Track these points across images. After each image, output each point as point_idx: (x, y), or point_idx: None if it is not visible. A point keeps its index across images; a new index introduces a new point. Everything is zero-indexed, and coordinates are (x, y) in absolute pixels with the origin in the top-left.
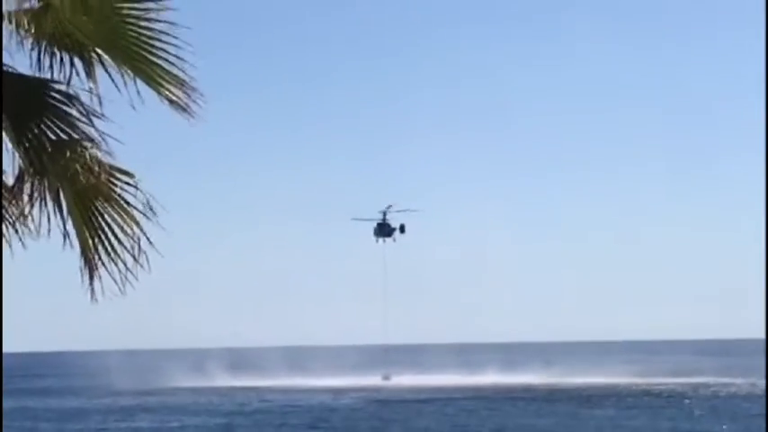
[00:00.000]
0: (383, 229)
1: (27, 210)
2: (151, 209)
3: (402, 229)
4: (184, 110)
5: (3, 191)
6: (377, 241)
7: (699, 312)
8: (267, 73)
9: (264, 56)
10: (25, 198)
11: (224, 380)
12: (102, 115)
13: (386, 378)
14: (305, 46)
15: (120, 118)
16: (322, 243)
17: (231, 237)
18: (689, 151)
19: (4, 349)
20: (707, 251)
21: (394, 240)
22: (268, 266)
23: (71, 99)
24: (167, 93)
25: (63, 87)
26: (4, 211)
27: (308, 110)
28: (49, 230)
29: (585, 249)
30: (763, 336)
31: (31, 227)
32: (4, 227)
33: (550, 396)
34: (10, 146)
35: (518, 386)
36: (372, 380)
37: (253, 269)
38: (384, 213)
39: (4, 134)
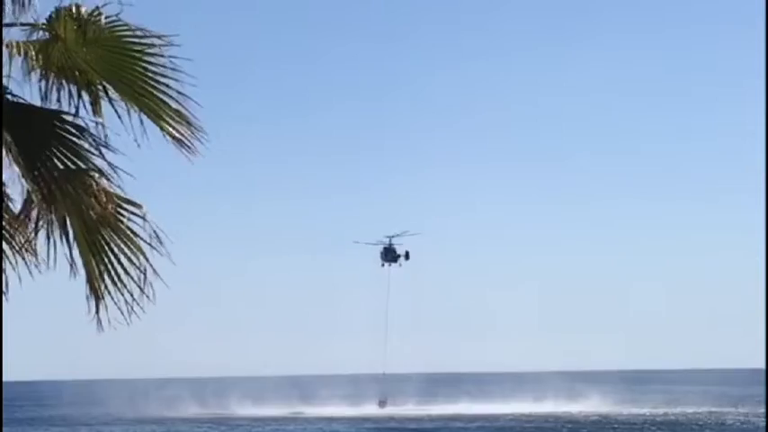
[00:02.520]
0: (389, 254)
1: (32, 237)
2: (158, 239)
3: (407, 255)
4: (186, 146)
5: (9, 218)
6: (382, 266)
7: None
8: (267, 106)
9: (268, 89)
10: (31, 226)
11: (219, 409)
12: (112, 147)
13: (382, 404)
14: (306, 77)
15: (127, 149)
16: (325, 271)
17: (233, 267)
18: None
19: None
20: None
21: (400, 266)
22: (271, 295)
23: (81, 131)
24: (170, 128)
25: (73, 119)
26: (10, 239)
27: (308, 140)
28: (55, 259)
29: (599, 274)
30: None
31: (38, 255)
32: (10, 254)
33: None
34: (19, 174)
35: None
36: (368, 408)
37: (255, 298)
38: (390, 238)
39: (13, 164)
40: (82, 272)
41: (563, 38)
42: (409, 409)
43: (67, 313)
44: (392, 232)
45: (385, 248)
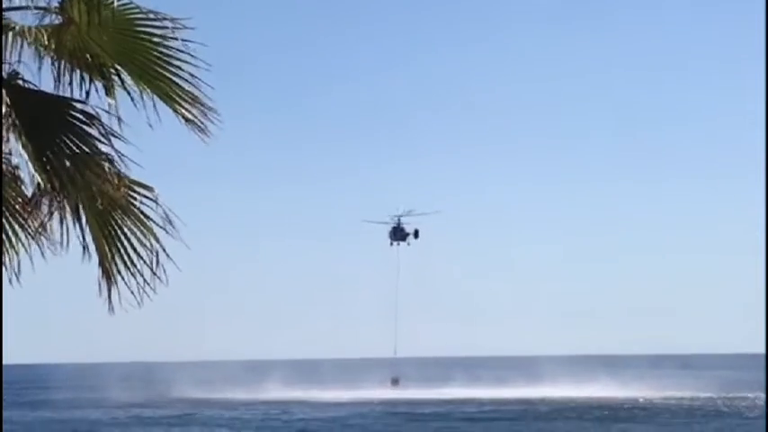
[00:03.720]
0: (397, 233)
1: (46, 221)
2: (170, 222)
3: (416, 234)
4: (200, 128)
5: (22, 203)
6: (391, 245)
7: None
8: (267, 92)
9: (266, 74)
10: (44, 210)
11: (235, 393)
12: (122, 135)
13: (395, 383)
14: (304, 62)
15: (138, 134)
16: (333, 255)
17: (239, 252)
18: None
19: (24, 361)
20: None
21: (408, 245)
22: (281, 280)
23: (91, 118)
24: (183, 111)
25: (83, 106)
26: (23, 223)
27: (308, 126)
28: (68, 242)
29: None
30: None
31: (51, 239)
32: (24, 238)
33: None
34: (29, 160)
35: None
36: (378, 392)
37: (266, 283)
38: (399, 217)
39: (24, 149)
40: (95, 256)
41: (565, 18)
42: (420, 392)
43: (78, 297)
44: (400, 211)
45: (394, 228)
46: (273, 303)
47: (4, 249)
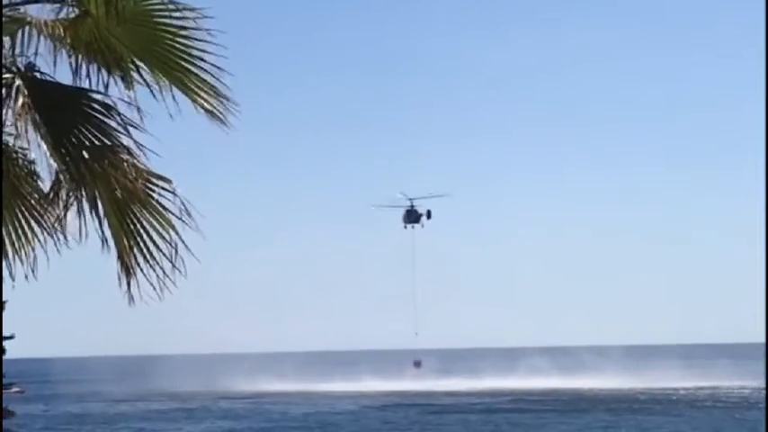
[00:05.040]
0: (411, 216)
1: (63, 216)
2: (188, 214)
3: (429, 214)
4: (219, 119)
5: (39, 198)
6: (405, 227)
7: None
8: (278, 78)
9: (273, 61)
10: (61, 204)
11: (254, 385)
12: (140, 126)
13: (417, 365)
14: (311, 49)
15: (156, 125)
16: (348, 242)
17: (254, 241)
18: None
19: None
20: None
21: (422, 226)
22: (293, 271)
23: (109, 109)
24: (203, 102)
25: (101, 97)
26: (40, 218)
27: (317, 112)
28: (86, 236)
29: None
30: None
31: (69, 232)
32: (40, 233)
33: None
34: (47, 152)
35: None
36: (397, 383)
37: (280, 275)
38: (411, 200)
39: (42, 142)
40: (114, 249)
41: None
42: (442, 384)
43: (93, 291)
44: (413, 194)
45: (407, 210)
46: (287, 295)
47: (21, 245)
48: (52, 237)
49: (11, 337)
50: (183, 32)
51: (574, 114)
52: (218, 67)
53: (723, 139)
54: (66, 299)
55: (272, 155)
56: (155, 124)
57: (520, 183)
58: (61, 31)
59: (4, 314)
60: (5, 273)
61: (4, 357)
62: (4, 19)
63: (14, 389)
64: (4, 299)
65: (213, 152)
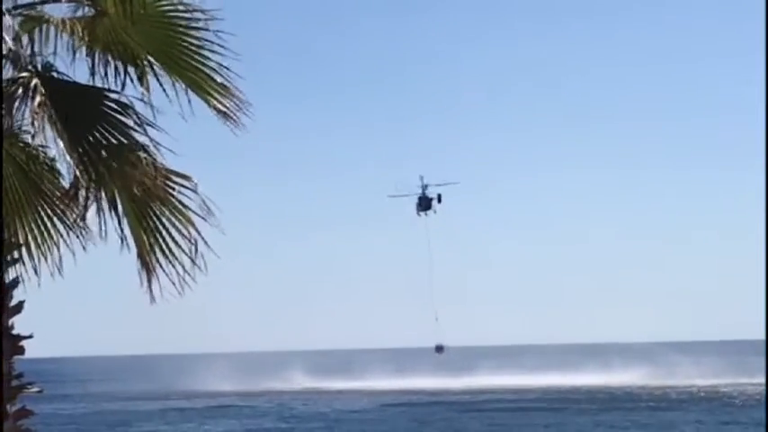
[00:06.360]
0: (423, 203)
1: (83, 213)
2: (208, 211)
3: (439, 198)
4: (232, 120)
5: (60, 196)
6: (418, 214)
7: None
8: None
9: (291, 65)
10: (81, 202)
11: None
12: (156, 125)
13: (439, 350)
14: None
15: (172, 124)
16: (363, 241)
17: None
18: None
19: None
20: None
21: (434, 212)
22: (306, 270)
23: (126, 108)
24: (215, 102)
25: (118, 96)
26: (62, 216)
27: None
28: (105, 234)
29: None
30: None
31: (89, 231)
32: (63, 231)
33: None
34: (65, 151)
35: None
36: (415, 382)
37: (295, 274)
38: (423, 187)
39: (59, 141)
40: (133, 246)
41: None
42: (467, 381)
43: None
44: (425, 182)
45: (420, 198)
46: (304, 294)
47: (44, 242)
48: (75, 234)
49: (29, 337)
50: (195, 33)
51: (598, 113)
52: (229, 69)
53: (724, 140)
54: (79, 298)
55: (288, 159)
56: (171, 123)
57: (520, 183)
58: (79, 29)
59: (23, 314)
60: (30, 271)
61: (22, 357)
62: (20, 18)
63: (34, 388)
64: (21, 298)
65: (227, 154)
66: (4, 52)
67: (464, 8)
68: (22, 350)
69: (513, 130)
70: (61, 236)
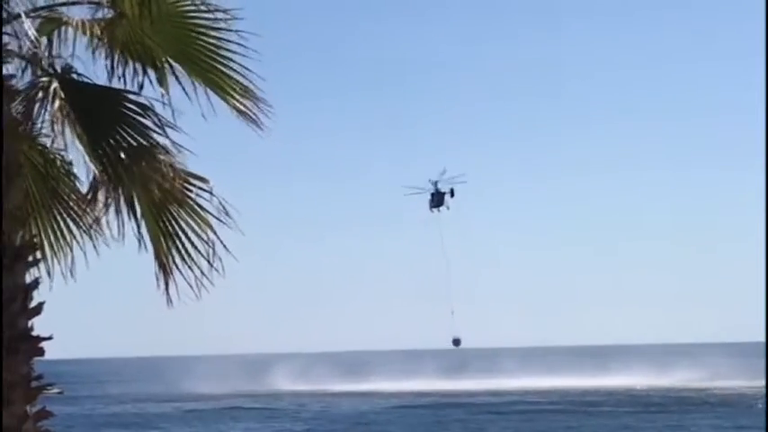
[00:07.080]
0: (435, 198)
1: (101, 216)
2: (226, 213)
3: (452, 192)
4: (253, 121)
5: (77, 199)
6: (432, 210)
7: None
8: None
9: (308, 67)
10: (99, 205)
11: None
12: (176, 126)
13: (456, 343)
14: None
15: (192, 126)
16: (377, 242)
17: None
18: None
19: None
20: None
21: (447, 208)
22: (324, 272)
23: (145, 109)
24: (236, 103)
25: (137, 98)
26: (78, 220)
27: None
28: (123, 236)
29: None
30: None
31: (107, 233)
32: (78, 234)
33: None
34: (84, 154)
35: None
36: (427, 383)
37: (308, 276)
38: (436, 183)
39: (78, 143)
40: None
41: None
42: (486, 383)
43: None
44: (435, 177)
45: (432, 194)
46: (316, 295)
47: (59, 246)
48: (90, 237)
49: (49, 338)
50: (216, 33)
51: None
52: (250, 70)
53: (724, 140)
54: (91, 300)
55: (298, 160)
56: (191, 124)
57: (523, 185)
58: (98, 31)
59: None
60: (44, 273)
61: (41, 359)
62: (40, 20)
63: (54, 389)
64: (41, 299)
65: (237, 155)
66: (24, 54)
67: (465, 9)
68: (41, 351)
69: (514, 131)
70: (75, 238)
